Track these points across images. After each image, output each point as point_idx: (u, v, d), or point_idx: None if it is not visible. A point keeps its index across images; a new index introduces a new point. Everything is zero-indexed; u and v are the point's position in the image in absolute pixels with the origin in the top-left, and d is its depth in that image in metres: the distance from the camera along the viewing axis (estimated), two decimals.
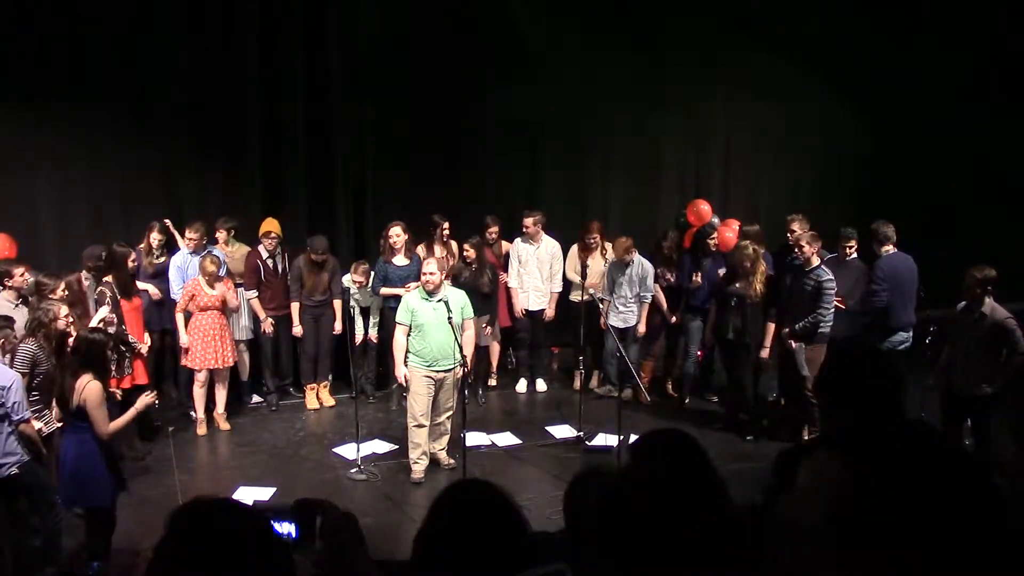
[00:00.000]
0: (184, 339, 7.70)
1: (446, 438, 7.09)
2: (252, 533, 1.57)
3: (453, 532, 1.94)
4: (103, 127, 8.51)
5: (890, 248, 7.68)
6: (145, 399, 5.71)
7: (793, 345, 7.40)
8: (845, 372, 2.55)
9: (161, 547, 1.54)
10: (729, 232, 8.74)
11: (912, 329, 7.64)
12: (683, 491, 1.82)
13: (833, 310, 7.26)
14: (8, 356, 5.58)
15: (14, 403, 5.15)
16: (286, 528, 2.15)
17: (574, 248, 8.95)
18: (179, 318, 7.72)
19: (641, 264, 8.39)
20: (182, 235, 8.23)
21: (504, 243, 9.05)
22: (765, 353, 7.59)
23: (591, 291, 8.17)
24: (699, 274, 8.33)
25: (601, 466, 2.85)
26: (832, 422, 2.55)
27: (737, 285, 7.54)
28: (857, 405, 2.42)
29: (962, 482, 1.93)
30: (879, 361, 2.68)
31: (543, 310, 8.92)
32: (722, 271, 7.95)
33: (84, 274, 7.11)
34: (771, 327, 7.53)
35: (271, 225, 8.30)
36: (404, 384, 7.05)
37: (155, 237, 8.04)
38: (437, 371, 6.76)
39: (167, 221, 8.28)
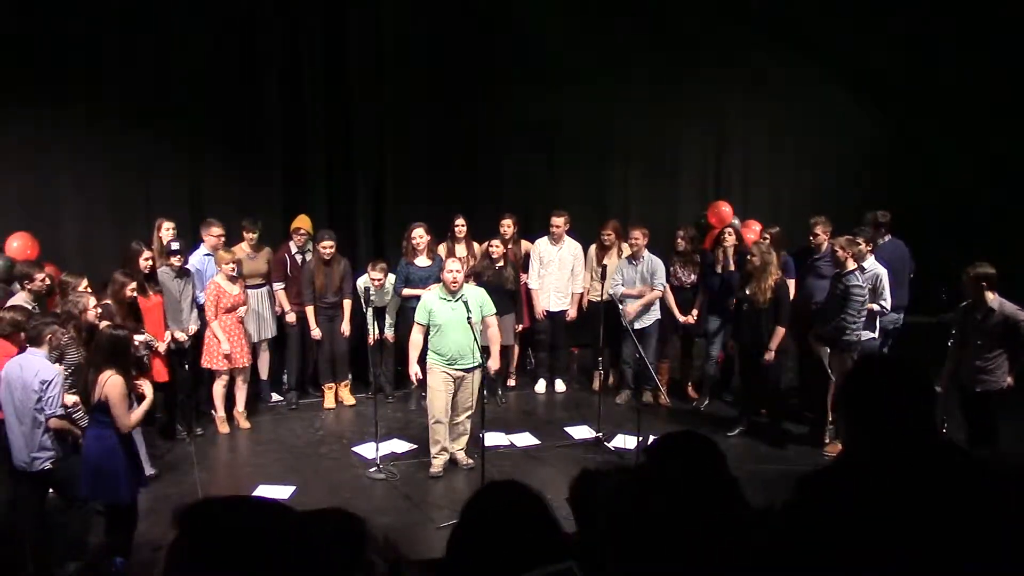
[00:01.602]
0: (225, 346, 7.62)
1: (465, 438, 7.09)
2: (265, 530, 1.56)
3: (488, 531, 1.93)
4: (124, 127, 8.59)
5: (888, 236, 8.41)
6: (149, 393, 5.71)
7: (818, 348, 7.33)
8: (870, 383, 2.33)
9: (171, 550, 1.53)
10: (751, 233, 8.70)
11: (903, 312, 8.16)
12: (694, 493, 1.81)
13: (862, 318, 7.14)
14: (55, 353, 5.55)
15: (49, 397, 5.23)
16: None
17: (592, 249, 8.92)
18: (215, 327, 7.60)
19: (651, 260, 8.35)
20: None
21: (524, 243, 9.04)
22: (769, 356, 7.37)
23: (610, 291, 8.14)
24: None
25: (606, 466, 2.83)
26: (855, 439, 2.35)
27: (747, 291, 7.48)
28: (883, 420, 2.22)
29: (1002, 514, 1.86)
30: (908, 372, 2.35)
31: (565, 311, 8.91)
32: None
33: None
34: (779, 331, 7.34)
35: (302, 221, 8.40)
36: (415, 383, 7.11)
37: (168, 226, 7.79)
38: (456, 369, 6.78)
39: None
